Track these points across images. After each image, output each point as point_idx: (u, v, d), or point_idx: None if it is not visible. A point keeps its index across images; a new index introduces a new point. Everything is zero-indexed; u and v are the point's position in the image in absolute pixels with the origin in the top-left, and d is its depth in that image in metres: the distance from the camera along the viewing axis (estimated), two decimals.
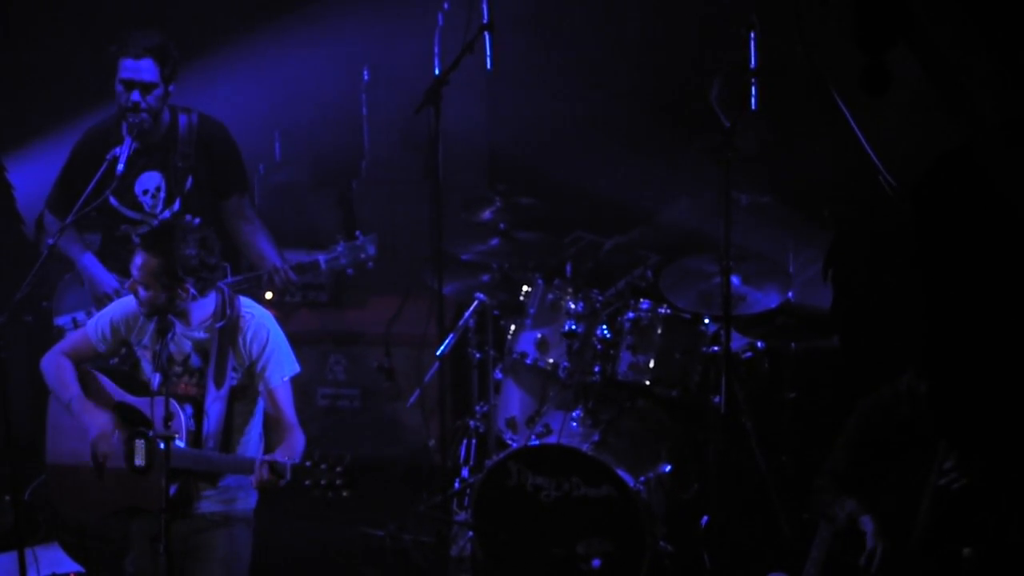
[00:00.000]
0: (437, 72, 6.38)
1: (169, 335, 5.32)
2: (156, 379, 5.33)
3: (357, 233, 6.52)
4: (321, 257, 6.46)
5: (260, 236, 6.66)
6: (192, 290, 5.36)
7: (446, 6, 7.25)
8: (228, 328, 5.41)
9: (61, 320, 6.68)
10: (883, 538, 5.36)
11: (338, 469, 5.03)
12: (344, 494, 5.06)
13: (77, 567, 6.30)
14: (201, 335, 5.43)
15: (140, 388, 5.44)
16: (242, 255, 6.87)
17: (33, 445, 7.16)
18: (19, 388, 7.20)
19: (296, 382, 5.56)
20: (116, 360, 5.88)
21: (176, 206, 6.54)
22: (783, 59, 6.38)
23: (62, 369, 5.56)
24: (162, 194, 6.55)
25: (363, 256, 6.47)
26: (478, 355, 7.23)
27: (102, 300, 6.52)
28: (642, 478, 6.43)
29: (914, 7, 3.07)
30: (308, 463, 5.07)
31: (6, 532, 6.37)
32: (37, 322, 7.17)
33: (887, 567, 5.34)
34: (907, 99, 3.60)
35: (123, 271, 6.50)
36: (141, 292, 5.30)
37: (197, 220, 6.55)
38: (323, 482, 5.03)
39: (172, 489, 5.23)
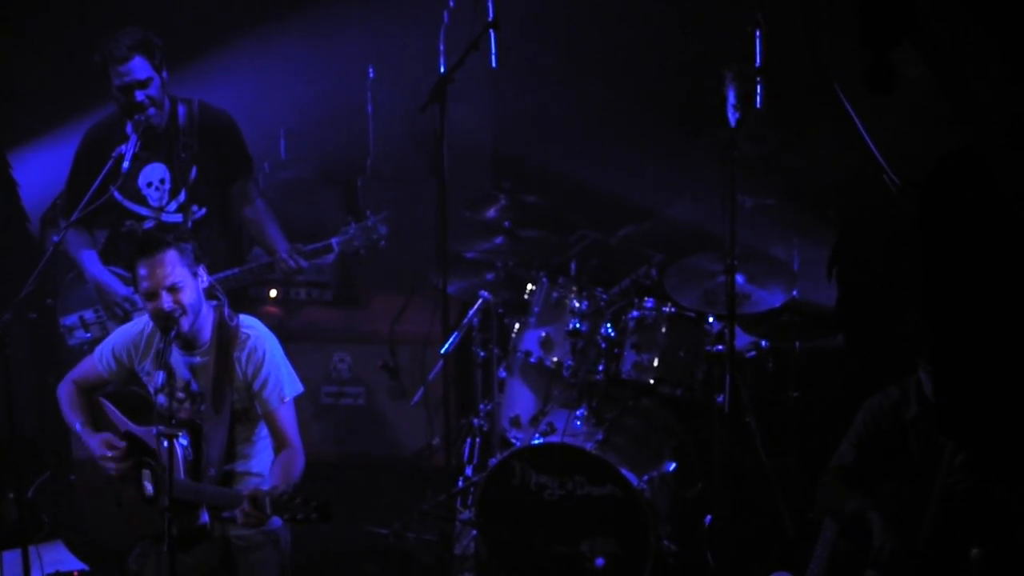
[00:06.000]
0: (442, 70, 6.36)
1: (168, 355, 5.27)
2: (159, 400, 5.32)
3: (368, 213, 6.56)
4: (335, 240, 6.50)
5: (266, 218, 6.68)
6: (205, 275, 5.37)
7: (451, 4, 7.22)
8: (224, 345, 5.36)
9: (68, 320, 6.66)
10: (890, 535, 5.35)
11: (313, 503, 4.91)
12: (320, 526, 5.01)
13: (81, 565, 6.31)
14: (199, 360, 5.40)
15: (151, 414, 5.37)
16: (251, 241, 6.87)
17: (37, 442, 7.17)
18: (23, 385, 7.21)
19: (300, 380, 5.54)
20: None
21: (182, 197, 6.54)
22: (788, 57, 6.37)
23: (71, 398, 5.60)
24: (167, 186, 6.54)
25: (375, 236, 6.53)
26: (482, 353, 7.22)
27: (111, 307, 6.50)
28: (646, 477, 6.43)
29: (919, 5, 3.06)
30: (285, 497, 4.95)
31: (10, 530, 6.37)
32: (41, 319, 7.17)
33: (894, 564, 5.32)
34: (912, 97, 3.60)
35: (128, 267, 6.51)
36: (167, 301, 5.22)
37: (203, 210, 6.56)
38: (299, 516, 4.93)
39: (206, 517, 5.23)
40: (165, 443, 5.00)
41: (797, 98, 6.77)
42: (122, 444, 5.42)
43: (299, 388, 5.47)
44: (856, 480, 5.59)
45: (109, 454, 5.42)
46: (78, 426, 5.55)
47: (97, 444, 5.46)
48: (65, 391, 5.62)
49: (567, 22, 8.00)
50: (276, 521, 5.33)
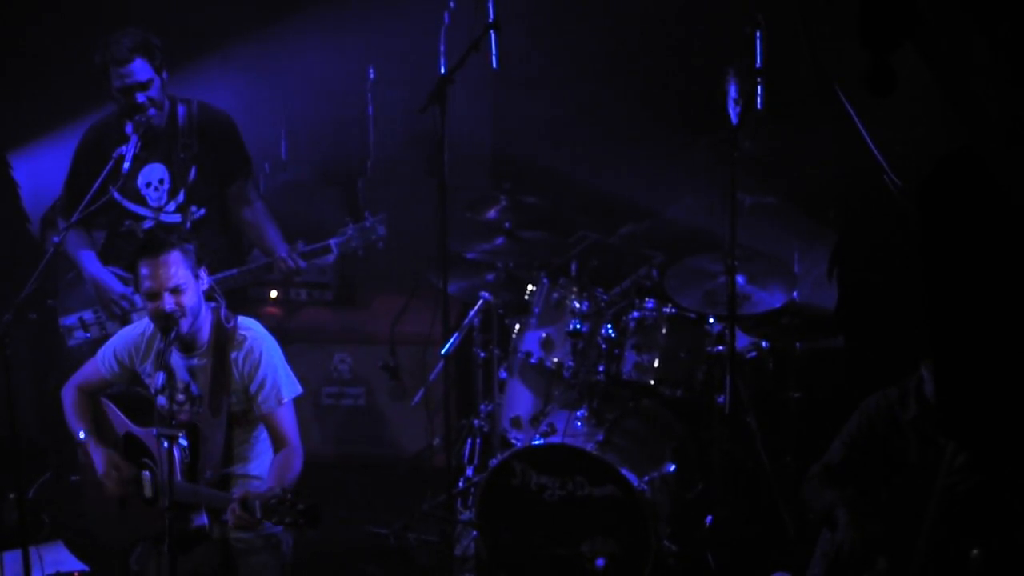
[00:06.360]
0: (443, 71, 6.36)
1: (168, 356, 5.27)
2: (159, 402, 5.32)
3: (366, 214, 6.57)
4: (333, 241, 6.50)
5: (264, 221, 6.66)
6: (205, 276, 5.36)
7: (452, 4, 7.24)
8: (221, 347, 5.35)
9: (67, 320, 6.66)
10: (852, 531, 5.34)
11: (300, 507, 4.87)
12: (308, 530, 4.98)
13: (81, 566, 6.31)
14: (197, 362, 5.40)
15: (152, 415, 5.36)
16: (250, 242, 6.87)
17: (38, 442, 7.17)
18: (23, 386, 7.22)
19: (301, 381, 5.53)
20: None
21: (180, 197, 6.53)
22: (789, 58, 6.37)
23: (75, 404, 5.60)
24: (166, 186, 6.54)
25: (374, 237, 6.53)
26: (483, 354, 7.22)
27: (109, 305, 6.50)
28: (646, 478, 6.43)
29: (920, 6, 3.06)
30: (274, 501, 4.91)
31: (11, 530, 6.37)
32: (42, 320, 7.17)
33: (856, 559, 5.32)
34: (912, 99, 3.60)
35: (128, 267, 6.52)
36: (169, 302, 5.21)
37: (202, 211, 6.56)
38: (287, 520, 4.89)
39: (204, 519, 5.22)
40: (165, 444, 5.00)
41: (797, 99, 6.77)
42: (124, 468, 5.43)
43: (298, 389, 5.45)
44: (838, 479, 5.57)
45: (114, 474, 5.44)
46: (82, 434, 5.54)
47: (101, 460, 5.47)
48: (69, 396, 5.61)
49: (567, 22, 8.01)
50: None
